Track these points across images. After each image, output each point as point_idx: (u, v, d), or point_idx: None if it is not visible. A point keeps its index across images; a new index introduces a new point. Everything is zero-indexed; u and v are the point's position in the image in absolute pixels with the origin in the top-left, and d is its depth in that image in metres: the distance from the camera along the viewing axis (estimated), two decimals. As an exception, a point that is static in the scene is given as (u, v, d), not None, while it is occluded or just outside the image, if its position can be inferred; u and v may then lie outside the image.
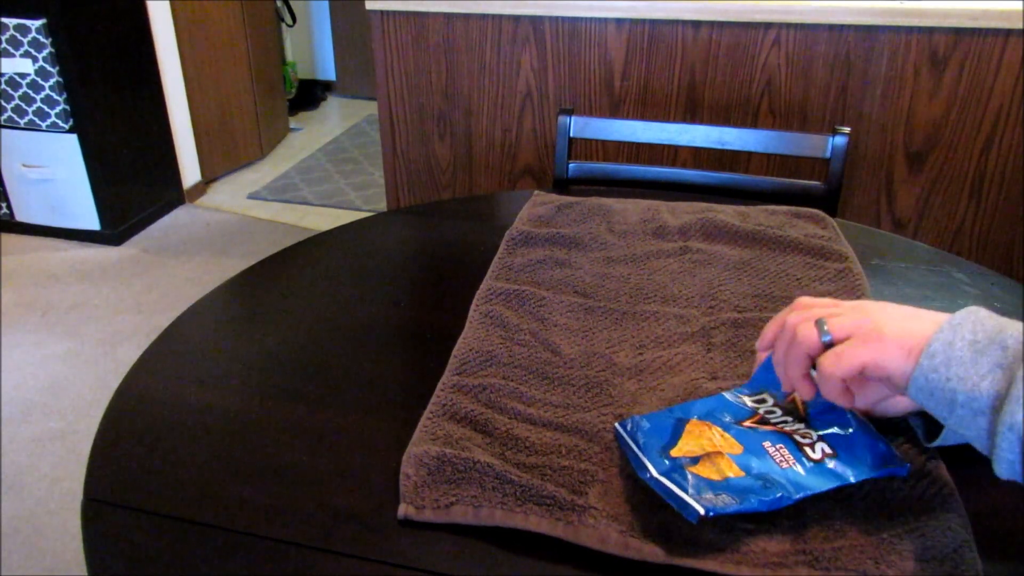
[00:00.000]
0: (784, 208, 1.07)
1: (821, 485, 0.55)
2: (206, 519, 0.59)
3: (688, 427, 0.61)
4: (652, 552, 0.53)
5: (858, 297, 0.85)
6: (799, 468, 0.56)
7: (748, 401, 0.64)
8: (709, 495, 0.54)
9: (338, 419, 0.69)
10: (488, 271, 0.91)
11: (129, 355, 2.27)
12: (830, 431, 0.59)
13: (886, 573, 0.51)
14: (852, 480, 0.55)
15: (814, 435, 0.59)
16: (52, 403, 2.09)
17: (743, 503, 0.53)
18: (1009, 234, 1.86)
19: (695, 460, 0.57)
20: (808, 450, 0.57)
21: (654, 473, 0.56)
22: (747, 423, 0.61)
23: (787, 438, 0.59)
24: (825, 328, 0.55)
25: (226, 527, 0.58)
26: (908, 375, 0.51)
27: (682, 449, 0.59)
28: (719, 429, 0.60)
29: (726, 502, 0.53)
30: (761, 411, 0.63)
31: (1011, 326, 0.49)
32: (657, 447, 0.59)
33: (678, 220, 1.03)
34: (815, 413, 0.61)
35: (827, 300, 0.59)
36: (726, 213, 1.04)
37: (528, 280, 0.89)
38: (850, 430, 0.59)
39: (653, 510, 0.56)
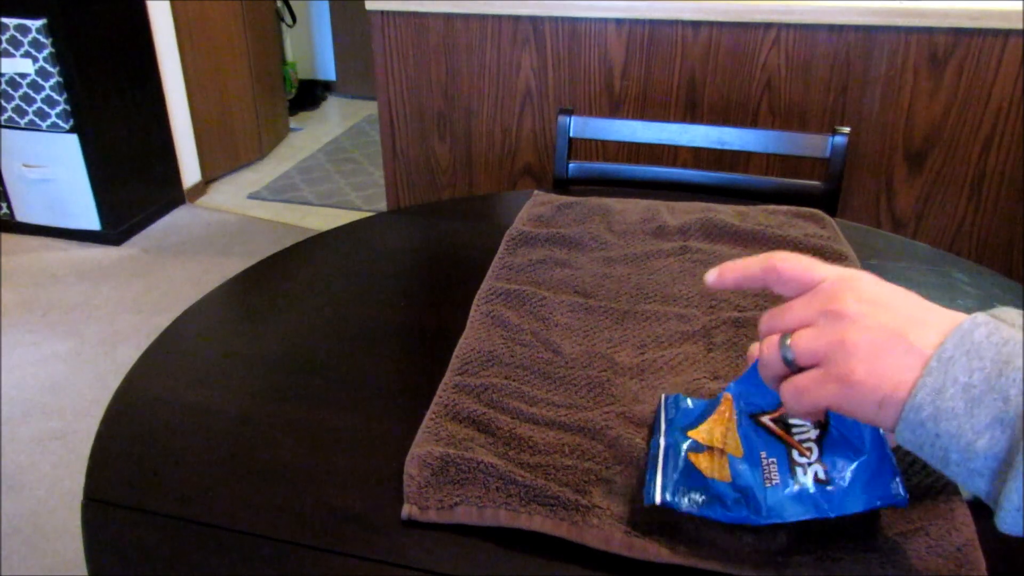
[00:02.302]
0: (784, 208, 1.07)
1: (795, 514, 0.52)
2: (206, 519, 0.59)
3: (720, 406, 0.59)
4: (656, 552, 0.53)
5: None
6: (781, 491, 0.53)
7: None
8: (686, 492, 0.55)
9: (338, 419, 0.69)
10: (488, 271, 0.91)
11: (129, 355, 2.27)
12: (837, 454, 0.54)
13: (891, 572, 0.51)
14: (829, 515, 0.52)
15: (814, 454, 0.54)
16: (52, 403, 2.09)
17: (704, 508, 0.53)
18: (1009, 234, 1.86)
19: (700, 448, 0.57)
20: (799, 472, 0.54)
21: (660, 444, 0.58)
22: (765, 418, 0.58)
23: (784, 452, 0.55)
24: (788, 344, 0.46)
25: (226, 527, 0.58)
26: (887, 426, 0.43)
27: (700, 432, 0.58)
28: (733, 424, 0.58)
29: (691, 502, 0.54)
30: None
31: (1016, 356, 0.40)
32: (683, 424, 0.60)
33: (678, 220, 1.03)
34: (835, 419, 0.56)
35: (811, 272, 0.48)
36: (726, 213, 1.04)
37: (528, 280, 0.89)
38: (862, 457, 0.53)
39: (657, 509, 0.56)
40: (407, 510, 0.57)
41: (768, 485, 0.54)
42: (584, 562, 0.54)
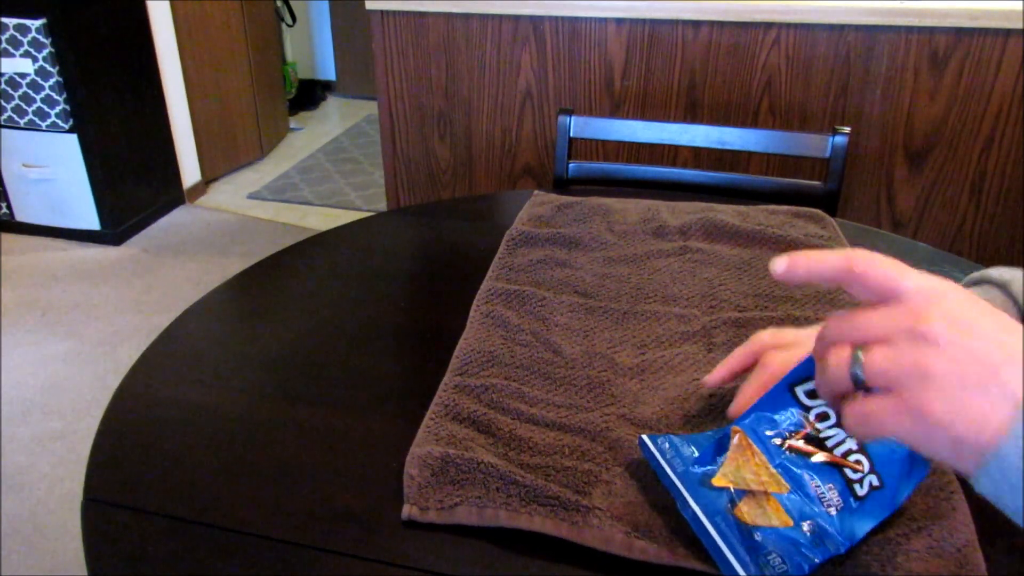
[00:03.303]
0: (784, 208, 1.07)
1: (866, 528, 0.51)
2: (206, 519, 0.59)
3: (735, 442, 0.55)
4: (656, 553, 0.53)
5: None
6: (847, 514, 0.52)
7: (802, 394, 0.56)
8: (764, 558, 0.51)
9: (338, 419, 0.69)
10: (488, 271, 0.91)
11: (129, 355, 2.27)
12: (886, 456, 0.52)
13: (891, 572, 0.51)
14: (892, 511, 0.51)
15: (866, 465, 0.52)
16: (52, 403, 2.09)
17: (792, 567, 0.50)
18: (1009, 234, 1.86)
19: (738, 496, 0.53)
20: (856, 487, 0.52)
21: (699, 514, 0.53)
22: (794, 441, 0.55)
23: (837, 473, 0.53)
24: (860, 359, 0.41)
25: (226, 527, 0.58)
26: (964, 470, 0.39)
27: (726, 476, 0.54)
28: (762, 457, 0.54)
29: (781, 564, 0.50)
30: (812, 416, 0.55)
31: None
32: (698, 474, 0.55)
33: (678, 220, 1.03)
34: None
35: (897, 280, 0.42)
36: (726, 213, 1.04)
37: (529, 280, 0.89)
38: (905, 449, 0.51)
39: (657, 511, 0.56)
40: (407, 510, 0.57)
41: (833, 513, 0.51)
42: (584, 563, 0.54)
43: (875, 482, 0.51)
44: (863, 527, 0.51)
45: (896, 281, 0.42)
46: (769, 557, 0.50)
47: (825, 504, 0.52)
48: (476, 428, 0.65)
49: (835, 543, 0.51)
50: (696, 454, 0.57)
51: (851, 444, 0.53)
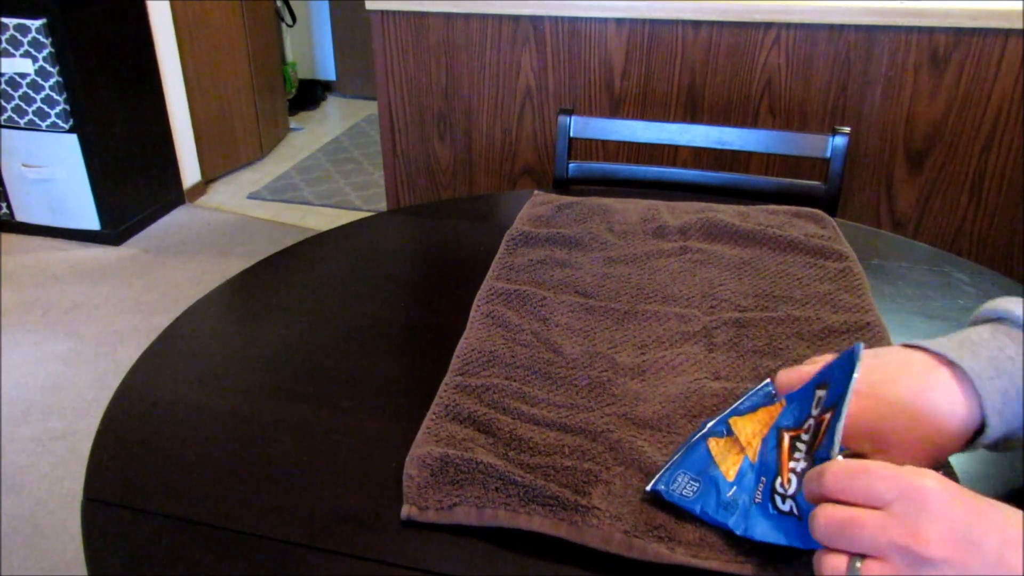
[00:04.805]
0: (784, 208, 1.07)
1: (767, 536, 0.52)
2: (206, 519, 0.59)
3: (770, 407, 0.60)
4: (655, 552, 0.53)
5: (859, 297, 0.84)
6: (760, 510, 0.54)
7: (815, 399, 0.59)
8: (683, 479, 0.56)
9: (338, 419, 0.69)
10: (489, 271, 0.91)
11: (129, 355, 2.27)
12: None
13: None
14: (798, 546, 0.52)
15: (792, 487, 0.54)
16: (52, 403, 2.09)
17: (692, 502, 0.55)
18: (1009, 234, 1.86)
19: (727, 433, 0.58)
20: (778, 500, 0.54)
21: (702, 430, 0.60)
22: (788, 435, 0.56)
23: (772, 477, 0.55)
24: (857, 569, 0.42)
25: (226, 527, 0.58)
26: None
27: (739, 422, 0.59)
28: (766, 431, 0.58)
29: (685, 492, 0.56)
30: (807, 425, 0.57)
31: None
32: (740, 410, 0.61)
33: (678, 220, 1.03)
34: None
35: (873, 489, 0.43)
36: (726, 213, 1.04)
37: (529, 280, 0.89)
38: None
39: (656, 510, 0.56)
40: (407, 510, 0.57)
41: (755, 501, 0.54)
42: (583, 563, 0.54)
43: (795, 510, 0.52)
44: (766, 534, 0.52)
45: (879, 495, 0.43)
46: (689, 482, 0.56)
47: (758, 489, 0.55)
48: (476, 428, 0.65)
49: (737, 523, 0.54)
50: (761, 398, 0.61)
51: (801, 466, 0.53)
